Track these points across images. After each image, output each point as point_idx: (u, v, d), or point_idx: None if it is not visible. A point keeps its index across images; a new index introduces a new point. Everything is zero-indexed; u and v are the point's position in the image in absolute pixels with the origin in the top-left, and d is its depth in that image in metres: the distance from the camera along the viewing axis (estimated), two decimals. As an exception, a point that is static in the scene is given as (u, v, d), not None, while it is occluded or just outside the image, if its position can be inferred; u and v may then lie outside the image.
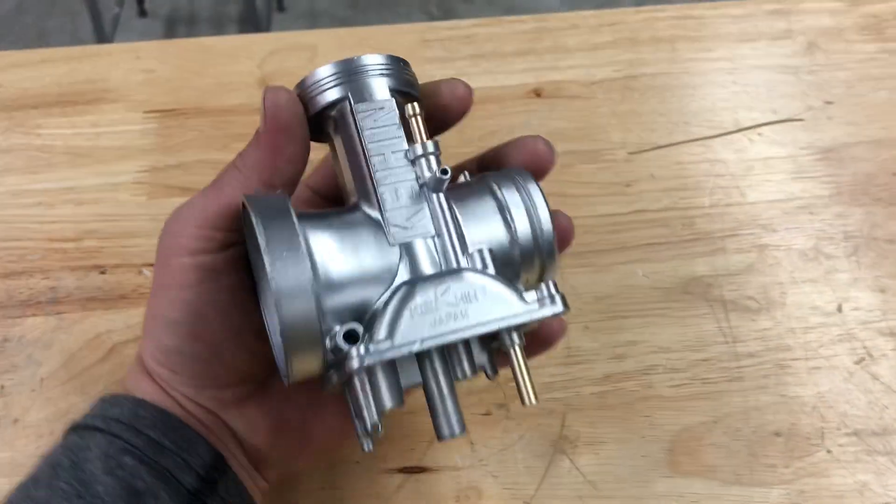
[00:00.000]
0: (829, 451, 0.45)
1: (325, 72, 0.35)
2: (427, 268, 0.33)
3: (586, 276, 0.52)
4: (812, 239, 0.55)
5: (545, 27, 0.67)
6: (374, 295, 0.33)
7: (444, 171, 0.33)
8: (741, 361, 0.49)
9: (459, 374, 0.34)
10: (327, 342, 0.31)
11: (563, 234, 0.38)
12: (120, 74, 0.64)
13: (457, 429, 0.33)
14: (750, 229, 0.55)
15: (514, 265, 0.35)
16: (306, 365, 0.32)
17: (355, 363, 0.30)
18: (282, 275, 0.30)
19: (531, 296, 0.33)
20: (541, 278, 0.35)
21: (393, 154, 0.34)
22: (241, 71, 0.64)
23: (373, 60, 0.36)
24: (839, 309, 0.51)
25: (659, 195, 0.57)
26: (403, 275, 0.33)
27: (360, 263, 0.33)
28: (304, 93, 0.36)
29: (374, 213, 0.34)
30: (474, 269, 0.33)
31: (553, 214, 0.35)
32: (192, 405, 0.37)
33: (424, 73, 0.64)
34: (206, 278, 0.34)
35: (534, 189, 0.35)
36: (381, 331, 0.31)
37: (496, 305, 0.32)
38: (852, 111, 0.62)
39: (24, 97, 0.62)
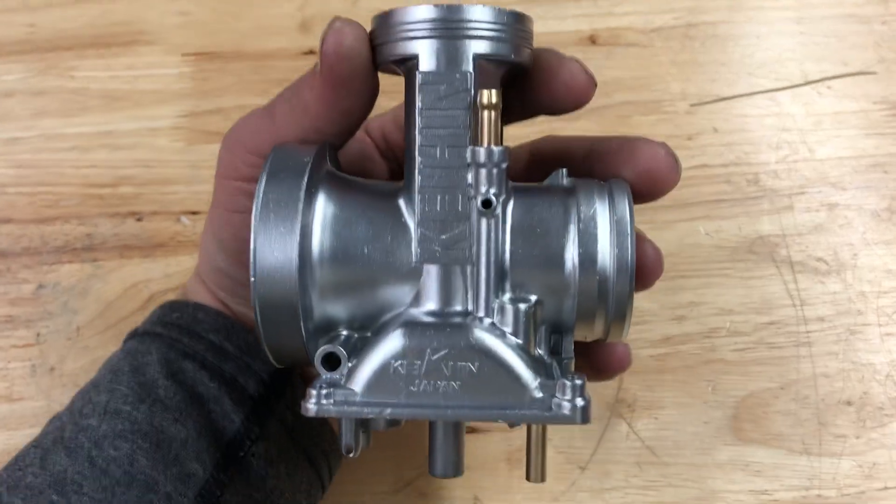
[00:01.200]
0: (904, 422, 0.43)
1: (406, 16, 0.28)
2: (450, 301, 0.28)
3: (645, 233, 0.50)
4: (886, 199, 0.51)
5: (600, -28, 0.63)
6: (386, 301, 0.28)
7: (485, 203, 0.27)
8: (809, 326, 0.46)
9: None
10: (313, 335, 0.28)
11: (646, 270, 0.31)
12: (155, 16, 0.62)
13: (450, 471, 0.29)
14: (819, 187, 0.52)
15: (568, 317, 0.29)
16: (287, 349, 0.28)
17: (311, 409, 0.26)
18: (265, 247, 0.27)
19: (549, 385, 0.26)
20: (605, 334, 0.30)
21: (448, 149, 0.27)
22: (281, 14, 0.61)
23: (469, 14, 0.28)
24: (915, 273, 0.48)
25: (722, 150, 0.54)
26: (426, 298, 0.28)
27: (374, 264, 0.28)
28: (377, 34, 0.29)
29: (408, 214, 0.28)
30: (491, 329, 0.27)
31: (640, 245, 0.29)
32: (249, 321, 0.35)
33: (473, 19, 0.62)
34: (239, 208, 0.32)
35: (624, 224, 0.28)
36: (356, 380, 0.27)
37: (497, 387, 0.26)
38: (929, 64, 0.58)
39: (58, 38, 0.60)
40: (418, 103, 0.28)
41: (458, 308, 0.28)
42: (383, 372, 0.26)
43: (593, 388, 0.44)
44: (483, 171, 0.27)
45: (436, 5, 0.28)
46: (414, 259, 0.28)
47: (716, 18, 0.61)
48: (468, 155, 0.27)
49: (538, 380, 0.26)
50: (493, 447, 0.42)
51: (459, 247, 0.27)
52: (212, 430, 0.32)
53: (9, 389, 0.45)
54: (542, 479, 0.28)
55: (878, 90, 0.57)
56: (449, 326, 0.27)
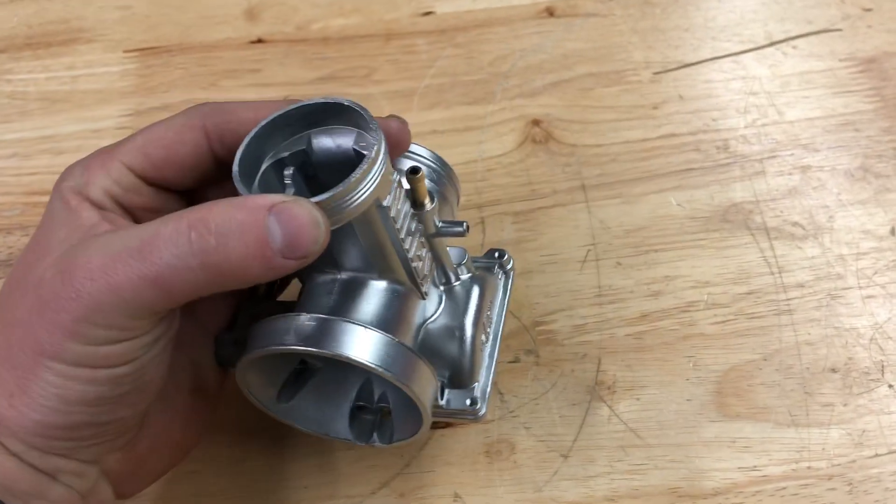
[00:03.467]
0: (890, 386, 0.42)
1: (362, 179, 0.29)
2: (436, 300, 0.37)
3: (616, 207, 0.48)
4: (859, 157, 0.50)
5: (554, -59, 0.61)
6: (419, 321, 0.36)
7: (464, 227, 0.35)
8: (789, 293, 0.45)
9: None
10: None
11: (399, 137, 0.35)
12: (93, 12, 0.59)
13: None
14: (790, 150, 0.51)
15: (450, 202, 0.40)
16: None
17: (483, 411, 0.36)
18: (419, 386, 0.33)
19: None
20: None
21: (413, 228, 0.34)
22: (225, 2, 0.59)
23: (383, 150, 0.30)
24: (892, 232, 0.47)
25: (689, 117, 0.52)
26: (434, 302, 0.37)
27: (410, 324, 0.35)
28: (334, 204, 0.29)
29: (402, 284, 0.35)
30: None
31: (388, 120, 0.35)
32: (39, 457, 0.28)
33: (426, -4, 0.59)
34: (129, 360, 0.28)
35: (439, 162, 0.39)
36: (479, 379, 0.37)
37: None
38: (894, 17, 0.57)
39: (-10, 41, 0.57)
40: (389, 221, 0.31)
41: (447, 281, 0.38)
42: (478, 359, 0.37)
43: (571, 373, 0.42)
44: (428, 217, 0.34)
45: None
46: (423, 298, 0.36)
47: (675, -17, 0.59)
48: (418, 217, 0.34)
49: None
50: (470, 441, 0.40)
51: (430, 265, 0.36)
52: None
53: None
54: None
55: (844, 47, 0.56)
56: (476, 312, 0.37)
